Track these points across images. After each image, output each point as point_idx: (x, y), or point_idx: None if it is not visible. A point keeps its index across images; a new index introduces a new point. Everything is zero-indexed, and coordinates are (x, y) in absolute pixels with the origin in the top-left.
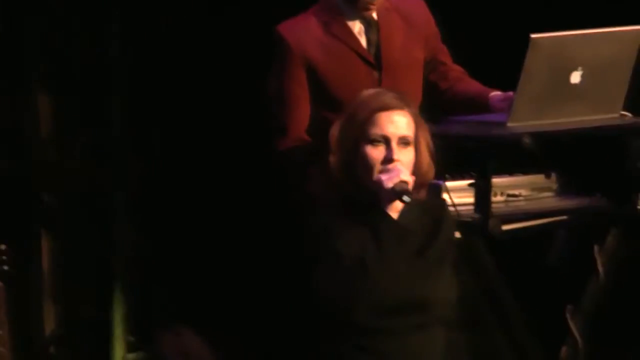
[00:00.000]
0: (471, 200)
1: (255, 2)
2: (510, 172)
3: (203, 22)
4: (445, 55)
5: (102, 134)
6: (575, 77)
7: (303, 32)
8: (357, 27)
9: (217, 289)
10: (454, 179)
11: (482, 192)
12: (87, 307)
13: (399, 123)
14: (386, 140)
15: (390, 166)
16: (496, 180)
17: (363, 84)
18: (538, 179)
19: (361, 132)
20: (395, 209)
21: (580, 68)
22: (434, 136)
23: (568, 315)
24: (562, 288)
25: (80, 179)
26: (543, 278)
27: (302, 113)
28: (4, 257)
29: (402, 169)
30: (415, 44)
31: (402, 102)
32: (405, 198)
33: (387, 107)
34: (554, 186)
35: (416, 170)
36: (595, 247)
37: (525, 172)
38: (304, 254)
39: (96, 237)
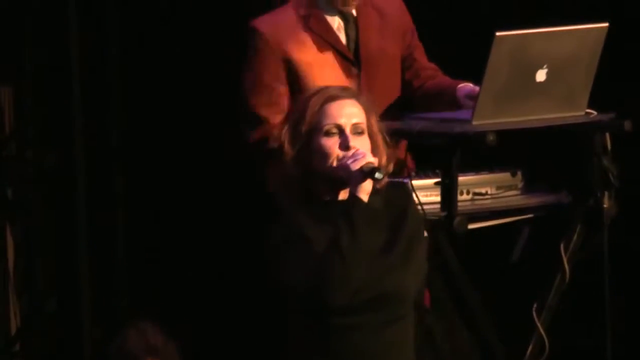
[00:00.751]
0: (437, 198)
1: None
2: (476, 170)
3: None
4: (420, 53)
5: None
6: (541, 75)
7: (280, 27)
8: (336, 22)
9: (182, 281)
10: (419, 177)
11: (448, 191)
12: (52, 302)
13: (350, 111)
14: (340, 129)
15: (355, 151)
16: (462, 179)
17: (342, 80)
18: (504, 176)
19: (313, 125)
20: (364, 191)
21: (545, 66)
22: (400, 133)
23: (534, 313)
24: (528, 285)
25: (42, 172)
26: (509, 276)
27: (280, 106)
28: None
29: (366, 152)
30: (393, 41)
31: (350, 93)
32: (378, 175)
33: (336, 98)
34: (520, 184)
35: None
36: (561, 244)
37: (490, 170)
38: (270, 245)
39: (60, 231)
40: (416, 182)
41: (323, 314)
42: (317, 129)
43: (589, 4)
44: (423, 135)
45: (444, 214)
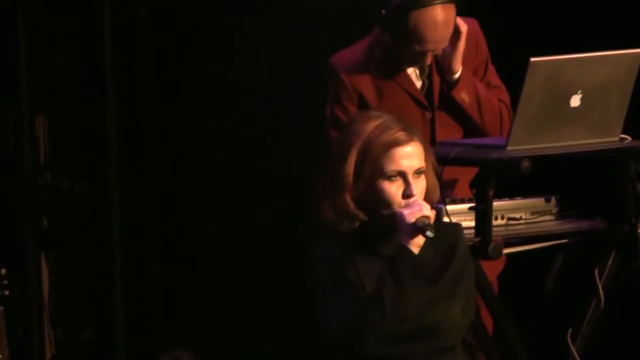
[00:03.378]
0: (471, 224)
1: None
2: (510, 196)
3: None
4: (490, 78)
5: (100, 155)
6: (575, 101)
7: (355, 67)
8: (410, 69)
9: (219, 312)
10: (454, 202)
11: (482, 216)
12: (87, 331)
13: (413, 156)
14: (402, 175)
15: (412, 201)
16: (496, 204)
17: (416, 124)
18: (538, 202)
19: (377, 168)
20: (415, 244)
21: (580, 91)
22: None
23: (569, 339)
24: (563, 312)
25: (77, 202)
26: (543, 302)
27: None
28: (4, 282)
29: (423, 204)
30: None
31: (412, 134)
32: (429, 233)
33: (400, 142)
34: (554, 209)
35: (425, 194)
36: (596, 270)
37: (524, 196)
38: (315, 282)
39: (96, 260)
40: (450, 208)
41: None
42: (380, 173)
43: (624, 31)
44: (458, 162)
45: (478, 239)
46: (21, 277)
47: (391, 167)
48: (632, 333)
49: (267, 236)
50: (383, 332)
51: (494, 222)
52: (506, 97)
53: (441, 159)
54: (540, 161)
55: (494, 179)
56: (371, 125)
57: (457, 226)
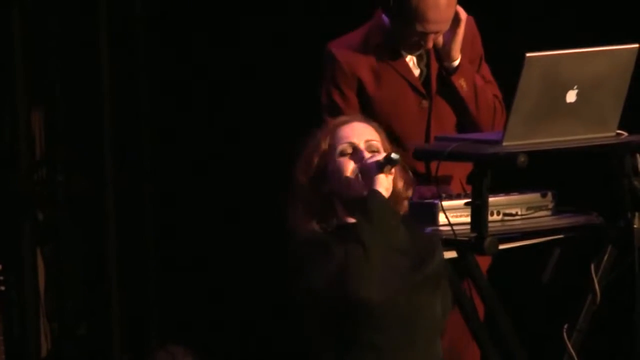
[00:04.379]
0: (467, 219)
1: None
2: (506, 191)
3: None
4: (484, 73)
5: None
6: (571, 96)
7: (354, 54)
8: (409, 56)
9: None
10: (449, 198)
11: (478, 212)
12: (83, 326)
13: (363, 130)
14: (354, 148)
15: (367, 154)
16: (492, 199)
17: (413, 112)
18: (534, 197)
19: (327, 149)
20: (382, 186)
21: (575, 87)
22: (431, 154)
23: (564, 334)
24: (558, 306)
25: (72, 196)
26: (539, 297)
27: None
28: (0, 277)
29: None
30: None
31: (365, 118)
32: (394, 155)
33: (347, 121)
34: (550, 205)
35: (393, 187)
36: (592, 265)
37: (520, 191)
38: (295, 256)
39: (90, 255)
40: (446, 203)
41: (355, 317)
42: (331, 152)
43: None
44: (454, 157)
45: (474, 234)
46: (17, 272)
47: (340, 142)
48: (627, 328)
49: (265, 234)
50: (370, 275)
51: (490, 218)
52: (499, 94)
53: (437, 154)
54: (536, 156)
55: (490, 174)
56: (325, 125)
57: (435, 236)
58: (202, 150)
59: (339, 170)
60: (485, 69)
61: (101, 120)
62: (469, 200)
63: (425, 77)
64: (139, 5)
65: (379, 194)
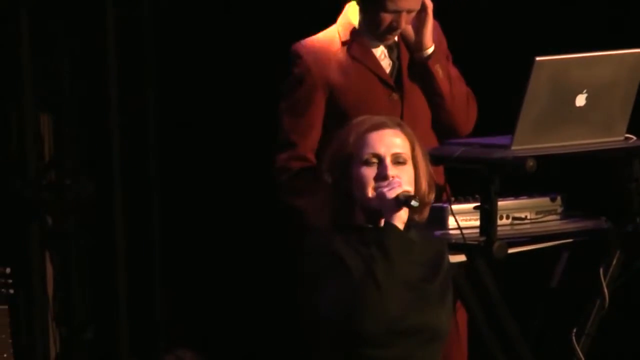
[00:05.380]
0: (476, 223)
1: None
2: (515, 195)
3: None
4: (452, 70)
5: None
6: (580, 100)
7: (322, 53)
8: (379, 50)
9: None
10: (459, 202)
11: (488, 216)
12: (91, 330)
13: (391, 141)
14: (379, 159)
15: (391, 180)
16: (501, 203)
17: (383, 107)
18: (543, 201)
19: (353, 153)
20: (399, 220)
21: (585, 91)
22: (439, 158)
23: (573, 338)
24: (567, 310)
25: (81, 200)
26: (548, 301)
27: (313, 133)
28: (9, 281)
29: (400, 181)
30: None
31: (394, 122)
32: (414, 203)
33: (378, 127)
34: (559, 209)
35: (416, 191)
36: (600, 270)
37: (530, 195)
38: (305, 270)
39: (98, 259)
40: (455, 207)
41: (356, 343)
42: (356, 158)
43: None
44: (462, 161)
45: (483, 238)
46: (25, 276)
47: (366, 150)
48: (635, 332)
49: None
50: (379, 310)
51: (499, 222)
52: (469, 89)
53: (445, 158)
54: (545, 160)
55: (499, 178)
56: (354, 121)
57: (442, 240)
58: (211, 153)
59: (360, 180)
60: (455, 70)
61: (107, 123)
62: (478, 204)
63: (398, 69)
64: (146, 6)
65: (395, 229)
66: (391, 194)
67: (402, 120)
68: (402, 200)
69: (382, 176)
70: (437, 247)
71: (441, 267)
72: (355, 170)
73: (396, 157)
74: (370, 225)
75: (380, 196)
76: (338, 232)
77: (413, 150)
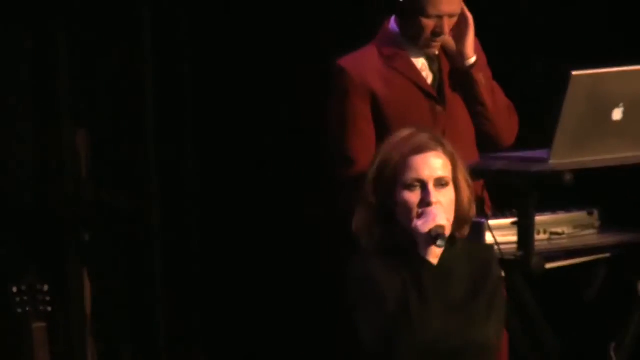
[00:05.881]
0: (514, 238)
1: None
2: (552, 210)
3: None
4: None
5: (141, 169)
6: (617, 114)
7: (365, 66)
8: (420, 62)
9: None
10: (496, 217)
11: (525, 230)
12: (129, 346)
13: (434, 165)
14: (422, 184)
15: (427, 210)
16: (539, 218)
17: (426, 119)
18: (580, 216)
19: (396, 176)
20: (434, 254)
21: (621, 104)
22: (478, 172)
23: (611, 352)
24: (606, 324)
25: (118, 215)
26: (586, 314)
27: (369, 143)
28: (47, 298)
29: (438, 212)
30: None
31: (436, 143)
32: (439, 243)
33: (420, 150)
34: (597, 223)
35: (457, 209)
36: (638, 283)
37: (567, 210)
38: (346, 299)
39: (137, 275)
40: (493, 222)
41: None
42: (399, 182)
43: None
44: (501, 175)
45: (520, 253)
46: (63, 293)
47: (409, 175)
48: None
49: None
50: (412, 344)
51: (537, 237)
52: (508, 100)
53: (483, 172)
54: (583, 174)
55: (537, 192)
56: (396, 137)
57: (490, 247)
58: (249, 169)
59: (402, 205)
60: (495, 83)
61: (145, 139)
62: (516, 219)
63: (439, 81)
64: (184, 27)
65: (427, 264)
66: (424, 228)
67: (443, 137)
68: (432, 236)
69: (425, 202)
70: (485, 256)
71: (488, 278)
72: (399, 193)
73: (438, 181)
74: (415, 250)
75: (415, 230)
76: (382, 254)
77: (454, 169)
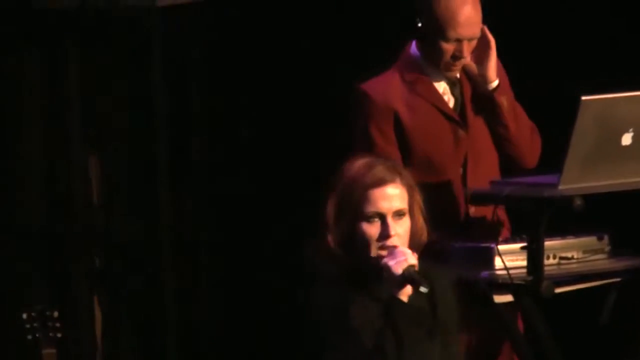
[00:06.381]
0: (523, 263)
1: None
2: (562, 235)
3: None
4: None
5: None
6: (627, 139)
7: (387, 90)
8: (442, 86)
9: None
10: (505, 242)
11: (535, 255)
12: None
13: (392, 198)
14: (381, 216)
15: (395, 251)
16: (548, 243)
17: (449, 143)
18: (590, 241)
19: (356, 210)
20: (404, 293)
21: (631, 130)
22: (488, 198)
23: None
24: (617, 349)
25: (129, 243)
26: (596, 339)
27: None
28: (57, 324)
29: (406, 251)
30: None
31: (394, 174)
32: (422, 289)
33: (379, 183)
34: (607, 248)
35: (411, 237)
36: None
37: (576, 234)
38: (317, 332)
39: (147, 301)
40: (502, 247)
41: None
42: (359, 215)
43: None
44: (511, 200)
45: (530, 278)
46: (74, 319)
47: (369, 208)
48: None
49: None
50: None
51: (546, 262)
52: (531, 122)
53: (493, 197)
54: (593, 199)
55: (547, 217)
56: (355, 166)
57: (446, 273)
58: (260, 194)
59: (363, 238)
60: (518, 105)
61: (156, 164)
62: (525, 244)
63: (461, 105)
64: (197, 51)
65: (402, 305)
66: (398, 269)
67: (397, 164)
68: (407, 278)
69: (384, 235)
70: (442, 282)
71: (445, 308)
72: (358, 226)
73: (397, 212)
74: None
75: (386, 270)
76: (345, 285)
77: (410, 199)
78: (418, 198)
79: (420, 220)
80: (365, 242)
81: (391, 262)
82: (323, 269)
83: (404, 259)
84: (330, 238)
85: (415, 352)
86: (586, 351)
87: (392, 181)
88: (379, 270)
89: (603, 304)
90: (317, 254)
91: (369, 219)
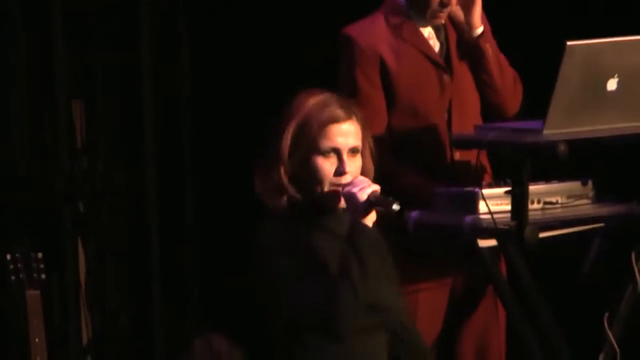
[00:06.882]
0: (507, 207)
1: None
2: (546, 180)
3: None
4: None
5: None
6: (612, 85)
7: (373, 34)
8: (427, 31)
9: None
10: (489, 186)
11: (519, 200)
12: (124, 316)
13: (348, 134)
14: (337, 152)
15: (355, 180)
16: (532, 188)
17: (434, 87)
18: (574, 186)
19: (312, 144)
20: (370, 220)
21: (616, 75)
22: (471, 143)
23: (605, 323)
24: (599, 295)
25: (113, 186)
26: (580, 285)
27: (379, 111)
28: (41, 266)
29: (365, 179)
30: None
31: (350, 112)
32: (395, 207)
33: (337, 119)
34: (591, 193)
35: (363, 175)
36: (633, 254)
37: (561, 179)
38: (274, 274)
39: (132, 245)
40: (486, 191)
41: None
42: (315, 149)
43: None
44: (494, 145)
45: (514, 223)
46: (58, 261)
47: (326, 144)
48: None
49: None
50: (354, 311)
51: (530, 206)
52: (514, 71)
53: (477, 142)
54: (577, 145)
55: (530, 162)
56: (311, 102)
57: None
58: (246, 141)
59: (317, 173)
60: (501, 54)
61: (141, 110)
62: (509, 188)
63: (446, 50)
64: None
65: (368, 230)
66: (363, 196)
67: (351, 102)
68: (373, 202)
69: (340, 171)
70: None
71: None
72: (313, 160)
73: (352, 150)
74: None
75: (351, 198)
76: (295, 219)
77: (364, 137)
78: (369, 138)
79: (369, 159)
80: (319, 176)
81: (354, 190)
82: (273, 203)
83: (367, 185)
84: (282, 172)
85: (377, 280)
86: (569, 297)
87: (348, 118)
88: (336, 202)
89: (586, 251)
90: (267, 188)
91: (325, 153)
